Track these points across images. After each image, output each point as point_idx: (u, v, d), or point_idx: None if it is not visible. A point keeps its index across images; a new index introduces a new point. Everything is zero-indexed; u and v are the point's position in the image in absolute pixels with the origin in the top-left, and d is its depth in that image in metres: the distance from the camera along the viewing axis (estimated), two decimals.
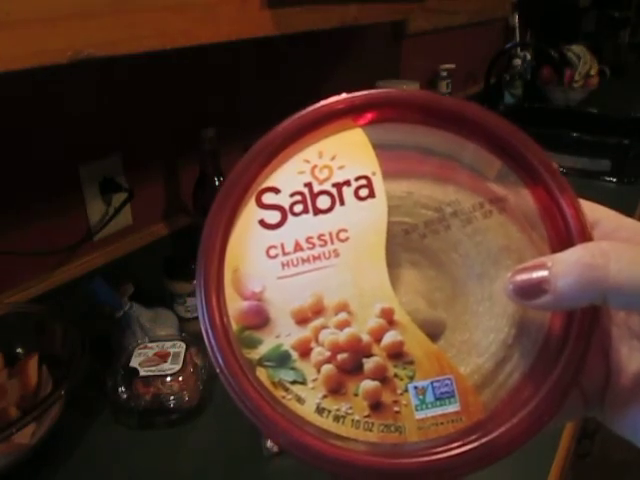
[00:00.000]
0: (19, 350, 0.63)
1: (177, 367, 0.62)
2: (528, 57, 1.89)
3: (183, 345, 0.66)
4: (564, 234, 0.22)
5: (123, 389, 0.62)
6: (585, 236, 0.22)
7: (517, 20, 1.97)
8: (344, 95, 0.24)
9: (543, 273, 0.20)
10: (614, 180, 1.33)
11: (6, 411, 0.55)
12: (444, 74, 1.54)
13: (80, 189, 0.72)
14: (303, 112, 0.24)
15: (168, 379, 0.62)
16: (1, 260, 0.65)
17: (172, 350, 0.65)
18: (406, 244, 0.23)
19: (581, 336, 0.21)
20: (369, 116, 0.24)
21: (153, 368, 0.62)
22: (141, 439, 0.61)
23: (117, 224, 0.77)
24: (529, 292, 0.20)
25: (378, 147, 0.24)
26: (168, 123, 0.82)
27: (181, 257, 0.79)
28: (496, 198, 0.23)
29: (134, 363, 0.63)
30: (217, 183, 0.78)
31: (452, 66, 1.54)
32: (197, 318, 0.23)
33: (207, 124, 0.75)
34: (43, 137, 0.67)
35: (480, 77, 1.75)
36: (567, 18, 2.36)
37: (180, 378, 0.62)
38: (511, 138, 0.23)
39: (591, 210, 0.23)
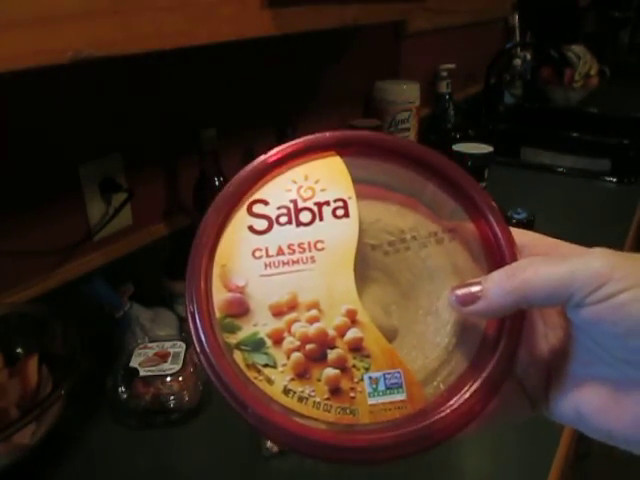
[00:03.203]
0: (19, 350, 0.62)
1: (177, 367, 0.62)
2: (528, 57, 1.89)
3: (183, 345, 0.66)
4: (498, 257, 0.27)
5: (123, 389, 0.62)
6: (514, 257, 0.27)
7: (517, 20, 1.97)
8: (330, 133, 0.30)
9: (478, 287, 0.25)
10: (614, 180, 1.33)
11: (6, 411, 0.55)
12: (444, 74, 1.54)
13: (80, 189, 0.72)
14: (296, 142, 0.29)
15: (168, 379, 0.62)
16: (1, 260, 0.65)
17: (172, 350, 0.65)
18: (372, 261, 0.28)
19: (509, 340, 0.26)
20: (350, 150, 0.29)
21: (153, 368, 0.62)
22: (141, 439, 0.61)
23: (117, 224, 0.77)
24: (467, 300, 0.25)
25: (354, 178, 0.29)
26: (168, 123, 0.82)
27: (181, 257, 0.78)
28: (448, 229, 0.28)
29: (134, 363, 0.63)
30: (217, 183, 0.78)
31: (452, 66, 1.54)
32: None
33: (207, 124, 0.75)
34: (43, 137, 0.67)
35: (480, 77, 1.75)
36: (567, 18, 2.35)
37: (180, 378, 0.62)
38: (462, 181, 0.29)
39: (521, 235, 0.28)
